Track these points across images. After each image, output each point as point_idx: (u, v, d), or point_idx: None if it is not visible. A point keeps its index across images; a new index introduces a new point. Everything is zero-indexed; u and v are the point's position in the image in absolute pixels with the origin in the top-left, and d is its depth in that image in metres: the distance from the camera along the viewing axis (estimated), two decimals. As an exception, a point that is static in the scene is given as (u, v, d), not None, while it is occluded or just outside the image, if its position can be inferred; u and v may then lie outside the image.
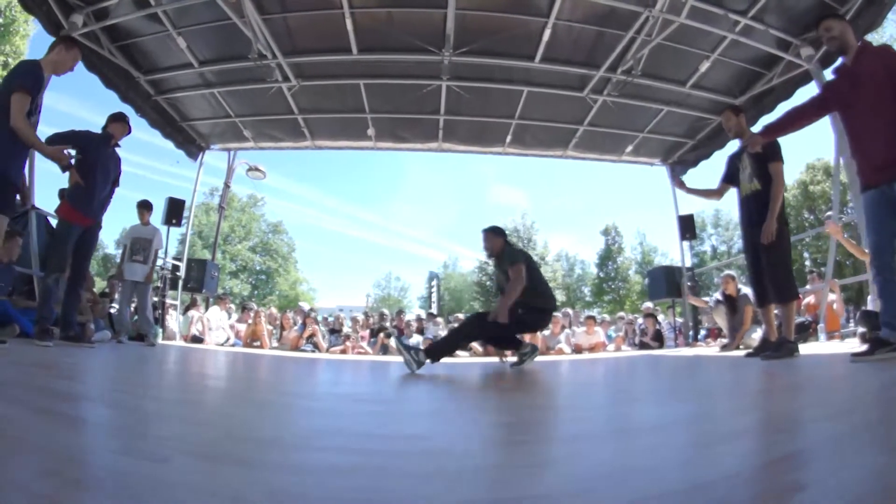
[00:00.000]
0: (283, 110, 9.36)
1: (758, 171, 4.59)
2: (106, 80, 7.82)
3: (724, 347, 7.16)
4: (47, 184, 7.00)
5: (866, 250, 4.34)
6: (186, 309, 10.02)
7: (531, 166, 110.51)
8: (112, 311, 7.76)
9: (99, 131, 5.34)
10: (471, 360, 7.99)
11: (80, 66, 7.51)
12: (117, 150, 5.45)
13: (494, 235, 5.07)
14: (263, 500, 0.83)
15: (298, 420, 1.82)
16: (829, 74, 4.26)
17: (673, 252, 48.43)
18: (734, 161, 4.97)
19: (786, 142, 9.19)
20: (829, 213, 9.86)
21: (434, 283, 22.90)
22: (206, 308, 10.39)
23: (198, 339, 9.30)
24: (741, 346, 6.94)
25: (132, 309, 7.59)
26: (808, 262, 28.11)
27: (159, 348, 6.56)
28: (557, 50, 7.83)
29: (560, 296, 36.44)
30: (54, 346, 4.45)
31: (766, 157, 4.48)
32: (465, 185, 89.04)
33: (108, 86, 7.88)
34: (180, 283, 9.87)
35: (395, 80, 8.48)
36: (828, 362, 3.92)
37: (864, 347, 3.31)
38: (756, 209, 4.62)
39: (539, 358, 8.04)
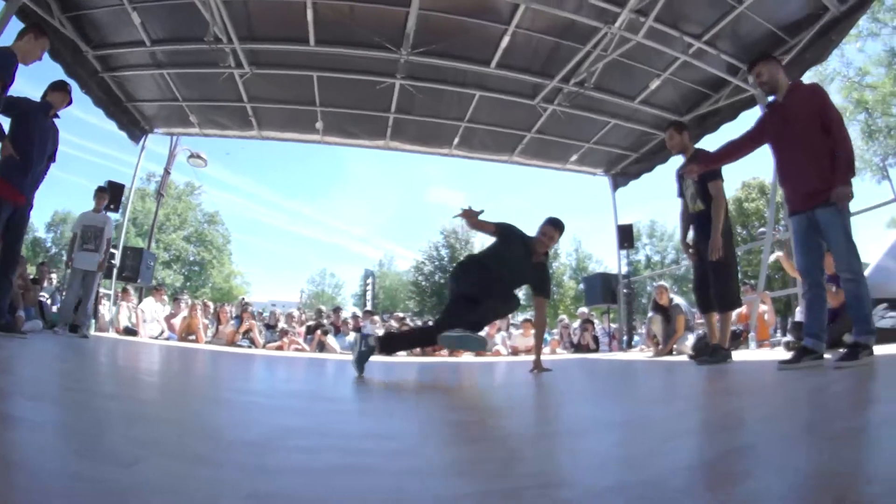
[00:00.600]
0: (233, 97, 9.09)
1: (700, 192, 4.83)
2: (52, 52, 7.21)
3: (658, 353, 7.49)
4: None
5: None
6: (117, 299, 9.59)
7: (470, 169, 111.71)
8: (42, 299, 7.39)
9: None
10: (410, 359, 8.02)
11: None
12: (56, 122, 4.99)
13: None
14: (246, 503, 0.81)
15: (263, 419, 1.79)
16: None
17: (608, 259, 49.86)
18: (680, 178, 5.16)
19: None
20: (763, 229, 10.45)
21: (369, 280, 22.79)
22: (139, 299, 9.96)
23: (131, 332, 8.95)
24: (674, 353, 7.30)
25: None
26: (738, 275, 29.17)
27: (94, 340, 6.30)
28: (514, 57, 7.96)
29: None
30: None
31: (705, 177, 4.71)
32: (405, 185, 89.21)
33: (53, 58, 7.37)
34: (115, 271, 9.40)
35: (350, 75, 8.39)
36: (759, 369, 4.21)
37: (791, 356, 3.58)
38: (701, 227, 4.89)
39: (478, 359, 8.22)
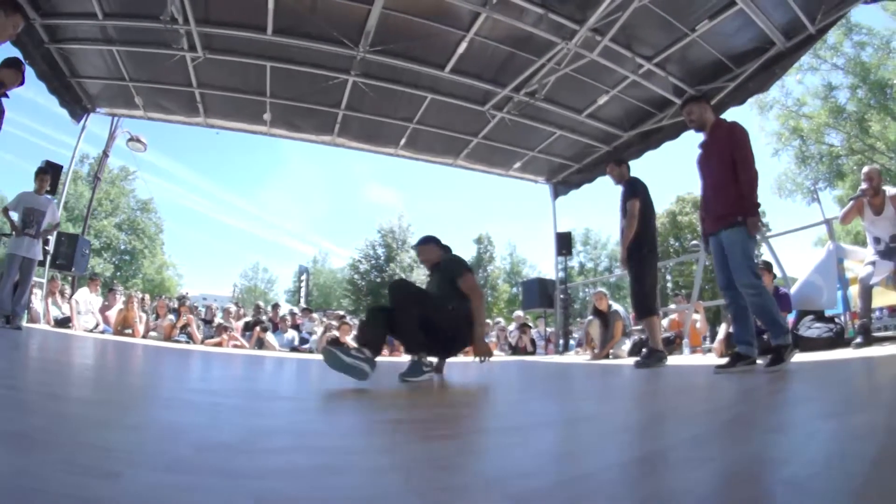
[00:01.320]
0: (182, 81, 8.83)
1: (623, 209, 5.55)
2: None
3: (595, 357, 7.81)
4: None
5: None
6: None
7: (406, 168, 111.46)
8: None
9: None
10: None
11: None
12: (3, 100, 4.55)
13: (434, 246, 4.36)
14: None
15: (232, 420, 1.75)
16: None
17: (542, 265, 51.08)
18: (621, 203, 5.79)
19: (658, 175, 10.21)
20: (695, 241, 11.08)
21: (304, 277, 22.53)
22: (72, 289, 9.51)
23: (62, 323, 8.52)
24: (610, 356, 7.63)
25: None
26: (669, 284, 30.94)
27: (27, 333, 6.02)
28: (468, 63, 8.14)
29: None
30: None
31: (626, 197, 5.52)
32: (340, 182, 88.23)
33: None
34: (48, 259, 8.85)
35: (303, 68, 8.31)
36: (694, 372, 4.59)
37: (726, 361, 4.02)
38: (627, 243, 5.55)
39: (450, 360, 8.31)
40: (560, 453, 1.35)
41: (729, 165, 3.98)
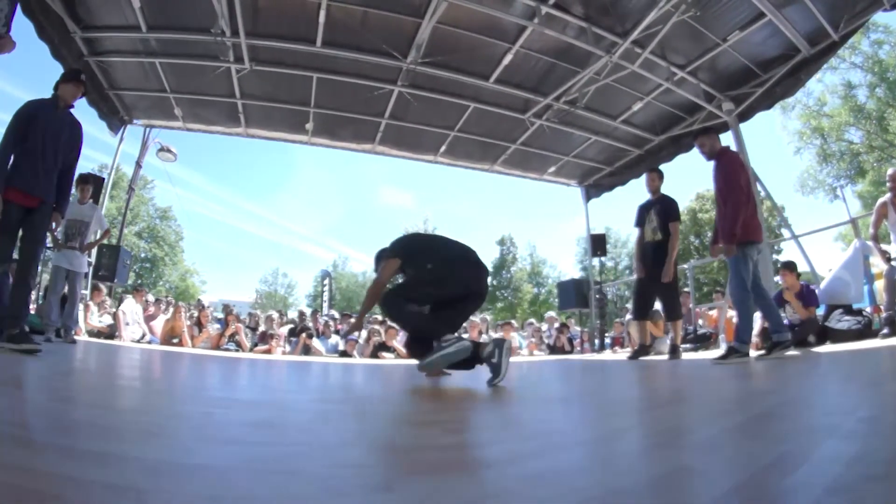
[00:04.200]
0: (224, 92, 8.98)
1: (661, 226, 6.15)
2: (39, 29, 6.97)
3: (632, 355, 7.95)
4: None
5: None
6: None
7: (417, 170, 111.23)
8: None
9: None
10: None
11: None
12: (73, 115, 4.46)
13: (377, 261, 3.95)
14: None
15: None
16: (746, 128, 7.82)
17: (562, 265, 50.93)
18: (643, 212, 6.45)
19: (679, 172, 10.50)
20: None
21: (326, 281, 22.57)
22: (114, 300, 9.62)
23: (108, 335, 8.48)
24: (651, 353, 7.73)
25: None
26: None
27: (84, 346, 5.92)
28: (512, 73, 8.34)
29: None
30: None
31: (668, 216, 6.15)
32: (353, 185, 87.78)
33: (40, 36, 7.03)
34: (90, 270, 8.88)
35: (349, 79, 8.47)
36: (701, 364, 5.10)
37: (721, 353, 4.89)
38: (654, 253, 6.18)
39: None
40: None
41: (724, 193, 4.85)
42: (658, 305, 8.56)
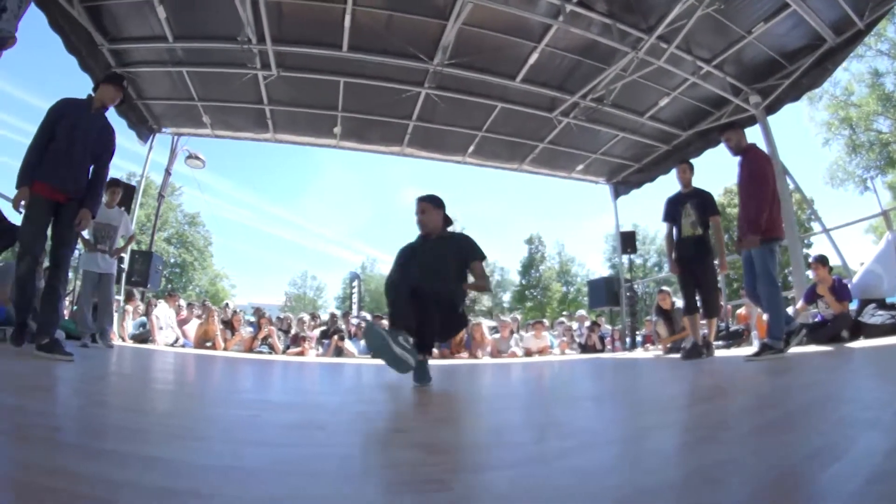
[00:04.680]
0: (252, 99, 9.09)
1: (701, 220, 5.91)
2: (68, 43, 7.17)
3: (666, 351, 7.89)
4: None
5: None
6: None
7: (443, 170, 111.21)
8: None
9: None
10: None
11: (43, 23, 7.01)
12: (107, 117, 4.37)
13: (435, 207, 3.92)
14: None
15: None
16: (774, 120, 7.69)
17: (590, 263, 50.38)
18: (675, 205, 6.14)
19: (708, 167, 10.36)
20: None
21: (355, 283, 22.68)
22: (146, 305, 9.78)
23: (141, 339, 8.64)
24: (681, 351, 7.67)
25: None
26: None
27: (120, 351, 5.99)
28: (538, 72, 8.31)
29: (486, 301, 37.15)
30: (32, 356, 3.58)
31: (708, 210, 5.94)
32: (379, 187, 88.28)
33: (69, 49, 7.23)
34: (123, 276, 9.14)
35: (376, 82, 8.52)
36: (734, 361, 5.00)
37: (755, 350, 4.81)
38: (695, 248, 5.92)
39: (501, 361, 8.45)
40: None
41: (749, 188, 4.87)
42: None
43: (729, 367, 4.48)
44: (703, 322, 6.12)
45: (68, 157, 4.02)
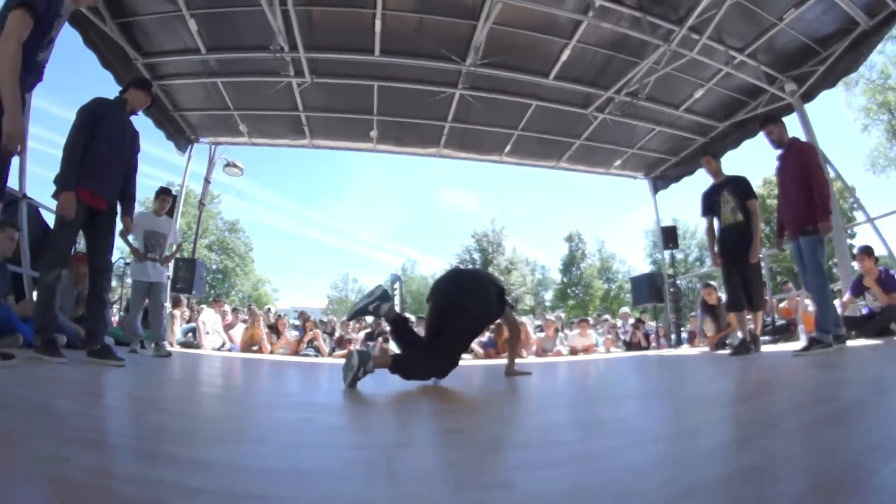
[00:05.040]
0: (287, 106, 9.26)
1: (741, 206, 5.70)
2: (103, 59, 7.37)
3: (712, 347, 7.73)
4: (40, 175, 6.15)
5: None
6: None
7: (479, 170, 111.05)
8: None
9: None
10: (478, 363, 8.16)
11: (78, 41, 7.18)
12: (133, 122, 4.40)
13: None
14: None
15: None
16: (810, 108, 7.87)
17: (631, 259, 49.55)
18: (712, 196, 5.97)
19: (745, 157, 10.14)
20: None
21: (397, 285, 22.79)
22: (191, 310, 10.02)
23: (188, 345, 8.82)
24: (727, 346, 7.49)
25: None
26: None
27: (175, 356, 5.89)
28: (571, 69, 8.27)
29: (529, 300, 36.99)
30: (68, 362, 3.54)
31: (745, 195, 5.71)
32: (415, 188, 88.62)
33: (104, 65, 7.43)
34: (168, 283, 9.39)
35: (410, 85, 8.60)
36: (782, 356, 4.85)
37: (803, 345, 4.69)
38: (738, 235, 5.67)
39: (546, 360, 8.41)
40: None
41: (801, 180, 4.79)
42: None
43: (777, 362, 4.34)
44: (749, 317, 5.87)
45: (109, 162, 3.98)
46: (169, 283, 9.21)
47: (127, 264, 13.23)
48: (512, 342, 4.37)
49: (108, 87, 7.70)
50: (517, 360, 4.34)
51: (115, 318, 10.01)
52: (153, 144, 7.91)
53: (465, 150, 10.83)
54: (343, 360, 2.99)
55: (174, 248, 6.71)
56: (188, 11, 7.04)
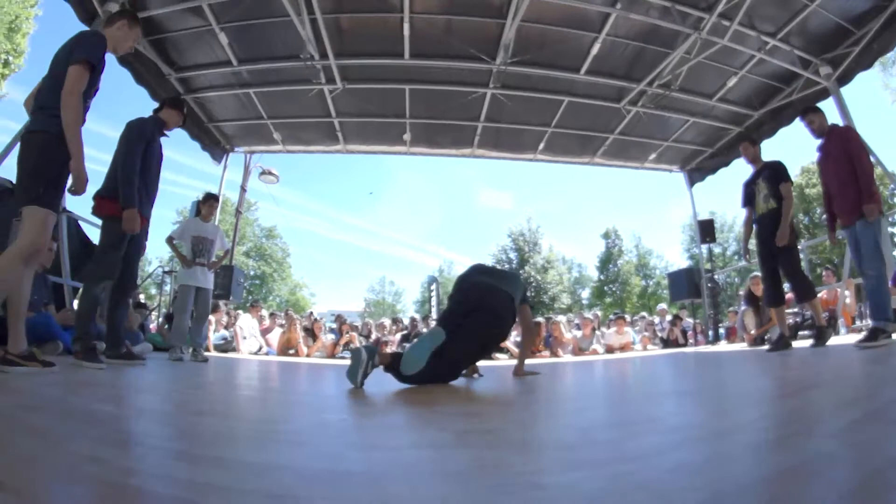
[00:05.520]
0: (320, 113, 9.40)
1: (773, 192, 5.43)
2: (137, 76, 7.62)
3: (752, 344, 7.59)
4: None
5: None
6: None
7: (513, 169, 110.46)
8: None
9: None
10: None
11: (111, 60, 7.42)
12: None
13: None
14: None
15: None
16: (846, 91, 7.62)
17: (669, 255, 48.60)
18: (750, 186, 5.74)
19: (782, 146, 9.89)
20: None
21: (433, 287, 22.85)
22: (228, 316, 10.20)
23: (224, 349, 8.89)
24: (766, 342, 7.28)
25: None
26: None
27: (212, 360, 6.05)
28: (602, 63, 8.19)
29: (566, 298, 36.64)
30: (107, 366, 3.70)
31: (778, 179, 5.43)
32: (450, 189, 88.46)
33: (138, 81, 7.68)
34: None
35: (442, 87, 8.65)
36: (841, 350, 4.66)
37: (865, 335, 4.46)
38: (772, 225, 5.35)
39: (582, 358, 8.33)
40: None
41: (846, 165, 4.71)
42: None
43: (824, 357, 4.19)
44: (789, 311, 5.72)
45: (151, 181, 4.34)
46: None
47: (166, 273, 13.64)
48: (524, 342, 4.32)
49: (143, 102, 7.93)
50: (527, 360, 4.23)
51: (153, 325, 10.34)
52: (186, 155, 8.03)
53: (498, 149, 10.82)
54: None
55: (222, 254, 6.76)
56: (218, 25, 7.22)
